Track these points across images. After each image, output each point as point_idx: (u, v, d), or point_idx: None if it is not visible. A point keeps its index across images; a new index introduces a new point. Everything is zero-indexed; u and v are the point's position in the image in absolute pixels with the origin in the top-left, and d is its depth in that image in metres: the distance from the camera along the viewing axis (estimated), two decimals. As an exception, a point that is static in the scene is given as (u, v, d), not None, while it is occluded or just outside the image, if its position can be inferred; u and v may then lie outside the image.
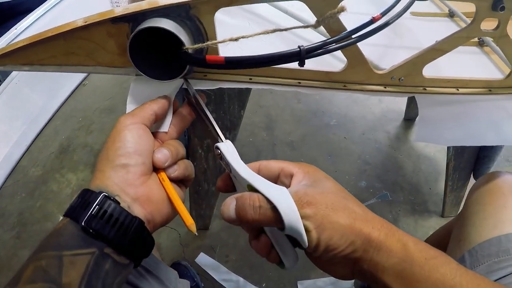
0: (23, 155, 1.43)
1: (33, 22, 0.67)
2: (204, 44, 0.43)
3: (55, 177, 1.36)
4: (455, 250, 0.67)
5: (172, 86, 0.48)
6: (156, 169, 0.42)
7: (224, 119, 0.98)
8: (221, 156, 0.42)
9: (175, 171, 0.43)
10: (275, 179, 0.41)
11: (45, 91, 1.64)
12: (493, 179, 0.71)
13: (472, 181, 1.16)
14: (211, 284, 1.10)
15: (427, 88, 0.54)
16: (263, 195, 0.35)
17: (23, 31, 0.65)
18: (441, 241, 0.81)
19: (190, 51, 0.43)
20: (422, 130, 0.55)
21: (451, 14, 0.83)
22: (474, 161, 1.11)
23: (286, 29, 0.40)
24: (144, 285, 0.58)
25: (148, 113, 0.43)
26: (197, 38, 0.45)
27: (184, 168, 0.44)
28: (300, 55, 0.38)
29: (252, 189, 0.37)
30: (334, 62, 0.52)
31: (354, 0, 0.51)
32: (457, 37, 0.49)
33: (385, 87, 0.51)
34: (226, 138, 1.11)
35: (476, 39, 0.72)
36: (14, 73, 1.52)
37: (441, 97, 0.55)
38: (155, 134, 0.46)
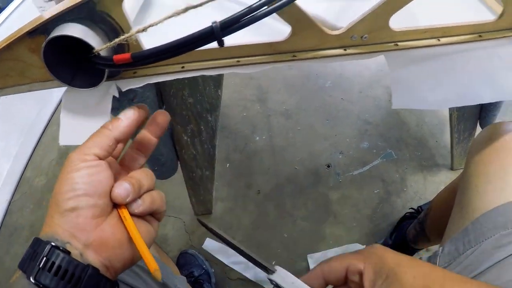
0: (25, 167, 1.43)
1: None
2: (113, 42, 0.37)
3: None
4: (457, 218, 0.60)
5: (105, 92, 0.44)
6: (118, 205, 0.37)
7: (202, 102, 0.93)
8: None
9: (139, 206, 0.37)
10: (344, 280, 0.38)
11: (36, 100, 1.60)
12: (497, 132, 0.62)
13: (479, 130, 1.07)
14: (220, 269, 1.09)
15: (399, 43, 0.45)
16: None
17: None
18: (448, 202, 0.73)
19: (102, 53, 0.37)
20: (398, 94, 0.46)
21: None
22: (479, 110, 1.02)
23: (200, 4, 0.32)
24: (139, 284, 0.57)
25: (105, 143, 0.37)
26: (113, 35, 0.40)
27: (150, 202, 0.38)
28: (214, 32, 0.30)
29: None
30: (282, 28, 0.44)
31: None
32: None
33: (345, 50, 0.43)
34: (208, 120, 1.04)
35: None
36: (2, 88, 1.50)
37: (417, 52, 0.46)
38: (121, 161, 0.41)
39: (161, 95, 0.85)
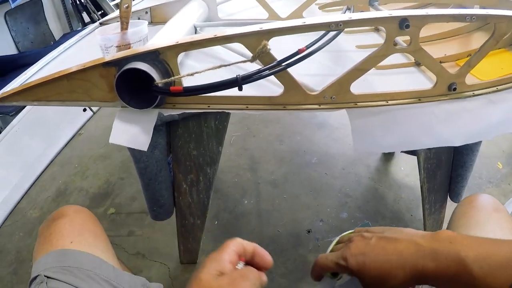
0: (21, 198, 1.50)
1: (38, 70, 0.76)
2: (170, 79, 0.55)
3: (52, 219, 1.42)
4: None
5: (150, 115, 0.60)
6: None
7: (205, 155, 1.04)
8: None
9: None
10: None
11: (44, 140, 1.73)
12: (477, 199, 0.72)
13: (449, 202, 1.15)
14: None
15: (358, 103, 0.62)
16: None
17: (30, 77, 0.73)
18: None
19: (160, 85, 0.54)
20: (357, 139, 0.62)
21: (395, 43, 0.92)
22: (448, 182, 1.11)
23: (229, 64, 0.51)
24: None
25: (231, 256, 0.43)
26: (166, 75, 0.57)
27: None
28: (238, 81, 0.48)
29: None
30: (277, 89, 0.61)
31: (294, 40, 0.61)
32: (374, 57, 0.58)
33: (319, 105, 0.60)
34: (207, 172, 1.16)
35: (413, 60, 0.80)
36: (14, 121, 1.64)
37: (371, 109, 0.63)
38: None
39: (170, 145, 0.97)
